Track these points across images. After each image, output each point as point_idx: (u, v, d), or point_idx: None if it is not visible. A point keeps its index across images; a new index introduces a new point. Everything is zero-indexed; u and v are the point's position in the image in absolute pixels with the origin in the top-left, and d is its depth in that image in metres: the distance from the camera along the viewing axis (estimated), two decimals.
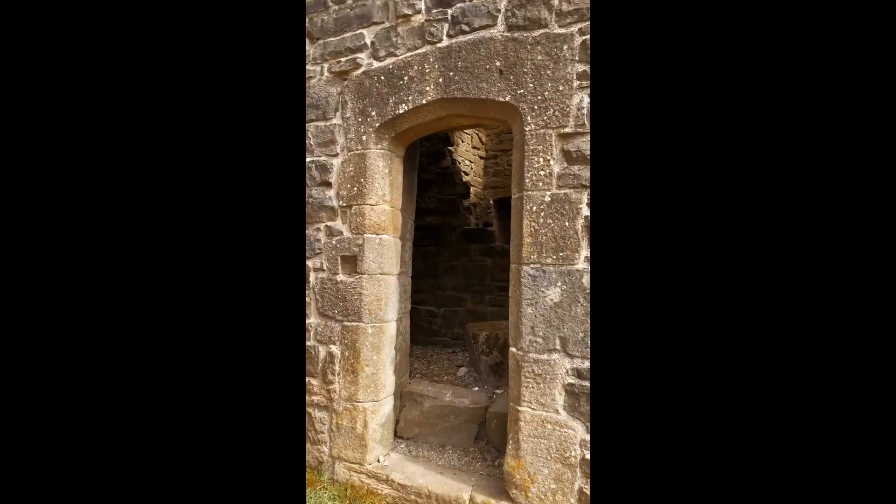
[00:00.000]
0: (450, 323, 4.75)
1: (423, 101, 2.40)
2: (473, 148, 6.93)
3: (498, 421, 2.72)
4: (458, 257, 4.76)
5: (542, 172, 2.10)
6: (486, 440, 2.80)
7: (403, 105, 2.46)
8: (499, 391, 3.23)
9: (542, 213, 2.08)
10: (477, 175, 7.01)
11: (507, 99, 2.20)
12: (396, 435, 2.85)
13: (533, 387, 2.06)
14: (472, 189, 5.31)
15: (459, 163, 5.66)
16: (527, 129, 2.14)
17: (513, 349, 2.17)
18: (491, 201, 7.02)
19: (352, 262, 2.52)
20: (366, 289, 2.49)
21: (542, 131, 2.11)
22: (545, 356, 2.03)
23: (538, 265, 2.08)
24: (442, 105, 2.39)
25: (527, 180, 2.12)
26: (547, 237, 2.05)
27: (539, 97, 2.12)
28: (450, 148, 5.12)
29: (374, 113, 2.53)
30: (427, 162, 4.89)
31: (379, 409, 2.54)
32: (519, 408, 2.08)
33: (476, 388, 3.26)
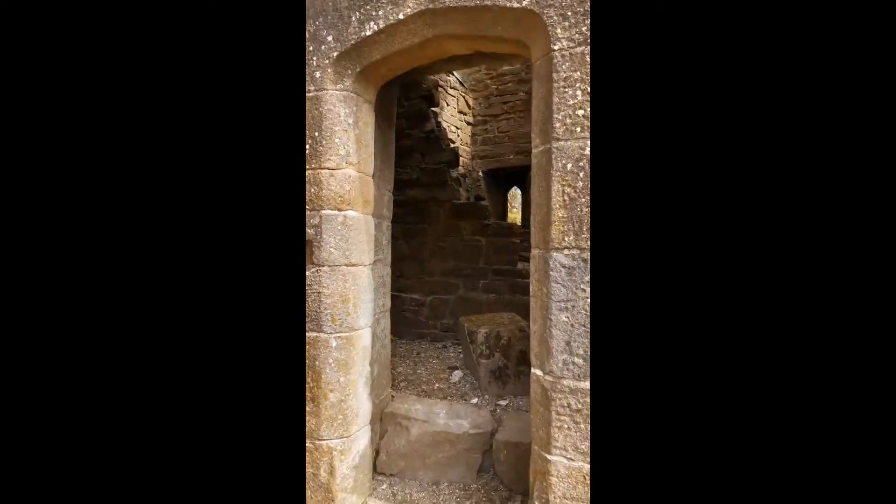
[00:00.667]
0: (438, 313, 4.10)
1: (401, 16, 1.66)
2: (460, 112, 6.16)
3: (509, 452, 2.10)
4: (447, 237, 4.07)
5: (579, 113, 1.41)
6: (493, 473, 2.18)
7: (372, 24, 1.71)
8: (503, 402, 2.60)
9: (582, 174, 1.40)
10: (464, 144, 6.26)
11: (525, 3, 1.48)
12: (377, 471, 2.21)
13: (570, 428, 1.42)
14: (460, 159, 4.62)
15: (445, 128, 4.91)
16: (556, 47, 1.44)
17: (537, 372, 1.52)
18: (480, 173, 6.31)
19: (306, 250, 1.80)
20: (326, 286, 1.80)
21: (579, 50, 1.41)
22: (587, 384, 1.39)
23: (576, 251, 1.41)
24: (427, 20, 1.66)
25: (556, 125, 1.43)
26: (587, 211, 1.39)
27: None
28: (434, 109, 4.37)
29: (329, 38, 1.78)
30: (407, 125, 4.14)
31: (350, 447, 1.88)
32: (549, 456, 1.44)
33: (475, 401, 2.63)
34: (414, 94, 4.16)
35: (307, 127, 1.79)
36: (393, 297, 3.47)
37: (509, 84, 6.17)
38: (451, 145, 4.62)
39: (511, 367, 2.77)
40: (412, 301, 4.20)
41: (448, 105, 5.82)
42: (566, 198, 1.42)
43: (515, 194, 7.33)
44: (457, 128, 6.04)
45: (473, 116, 6.36)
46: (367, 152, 1.96)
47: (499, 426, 2.27)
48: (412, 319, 4.18)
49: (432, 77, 4.70)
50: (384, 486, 2.13)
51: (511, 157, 6.16)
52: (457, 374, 3.04)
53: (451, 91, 5.90)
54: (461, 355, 3.47)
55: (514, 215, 7.65)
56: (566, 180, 1.42)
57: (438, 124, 4.31)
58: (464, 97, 6.25)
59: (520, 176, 6.38)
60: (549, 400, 1.45)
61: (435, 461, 2.18)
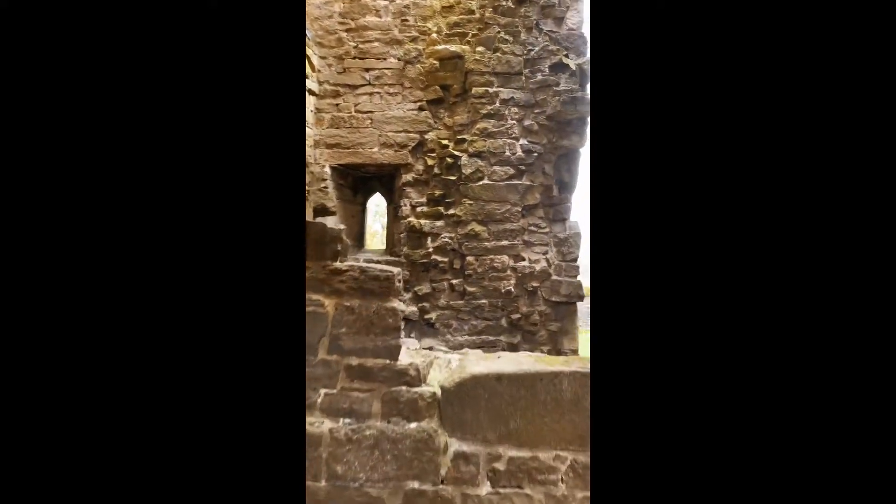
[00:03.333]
0: None
1: None
2: None
3: None
4: None
5: None
6: None
7: None
8: None
9: None
10: (307, 125, 4.03)
11: None
12: None
13: None
14: None
15: None
16: None
17: None
18: (327, 168, 4.15)
19: None
20: None
21: None
22: None
23: None
24: None
25: None
26: None
27: None
28: None
29: None
30: None
31: None
32: None
33: None
34: None
35: None
36: None
37: (375, 44, 4.18)
38: None
39: None
40: None
41: None
42: None
43: (379, 204, 5.31)
44: None
45: (319, 83, 4.18)
46: None
47: None
48: None
49: None
50: None
51: (376, 150, 4.15)
52: None
53: None
54: None
55: (374, 238, 5.60)
56: None
57: None
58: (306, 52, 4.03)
59: (387, 179, 4.41)
60: None
61: None
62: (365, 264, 1.88)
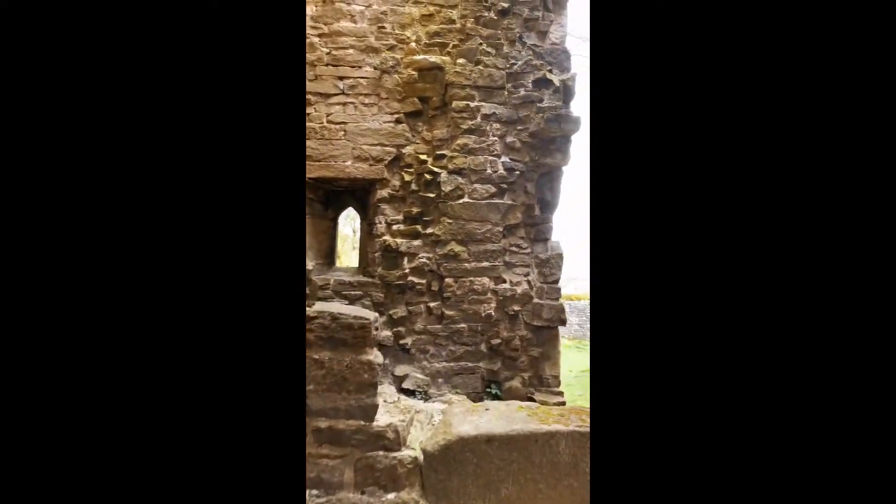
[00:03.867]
0: None
1: None
2: None
3: None
4: None
5: None
6: None
7: None
8: None
9: None
10: None
11: None
12: None
13: None
14: None
15: None
16: None
17: None
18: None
19: None
20: None
21: None
22: None
23: None
24: None
25: None
26: None
27: None
28: None
29: None
30: None
31: None
32: None
33: None
34: None
35: None
36: None
37: (350, 51, 3.94)
38: None
39: None
40: None
41: None
42: None
43: (354, 219, 5.02)
44: None
45: None
46: None
47: None
48: None
49: None
50: None
51: (349, 163, 3.90)
52: None
53: None
54: None
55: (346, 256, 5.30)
56: None
57: None
58: None
59: (360, 194, 4.16)
60: None
61: None
62: (337, 310, 1.63)
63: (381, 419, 1.60)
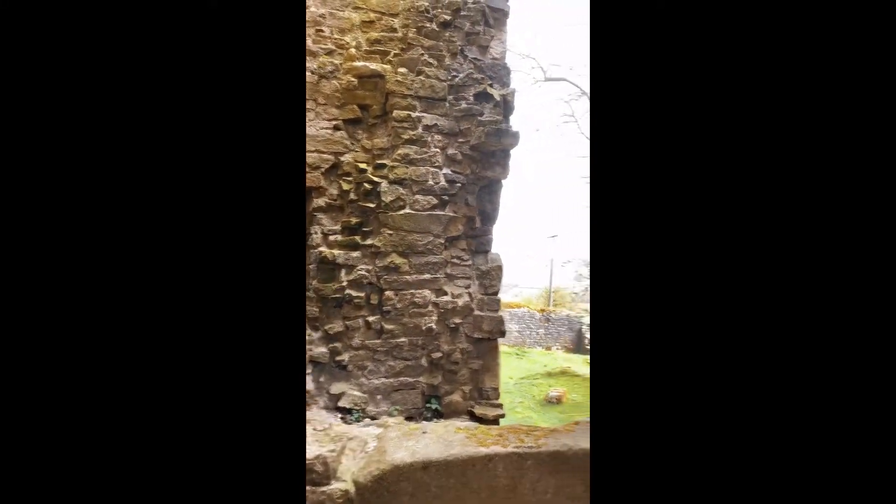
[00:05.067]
0: None
1: None
2: None
3: None
4: None
5: None
6: None
7: None
8: None
9: None
10: None
11: None
12: None
13: None
14: None
15: None
16: None
17: None
18: None
19: None
20: None
21: None
22: None
23: None
24: None
25: None
26: None
27: None
28: None
29: None
30: None
31: None
32: None
33: None
34: None
35: None
36: None
37: None
38: None
39: None
40: None
41: None
42: None
43: None
44: None
45: None
46: None
47: None
48: None
49: None
50: None
51: None
52: None
53: None
54: None
55: None
56: None
57: None
58: None
59: None
60: None
61: None
62: None
63: (309, 450, 1.48)
